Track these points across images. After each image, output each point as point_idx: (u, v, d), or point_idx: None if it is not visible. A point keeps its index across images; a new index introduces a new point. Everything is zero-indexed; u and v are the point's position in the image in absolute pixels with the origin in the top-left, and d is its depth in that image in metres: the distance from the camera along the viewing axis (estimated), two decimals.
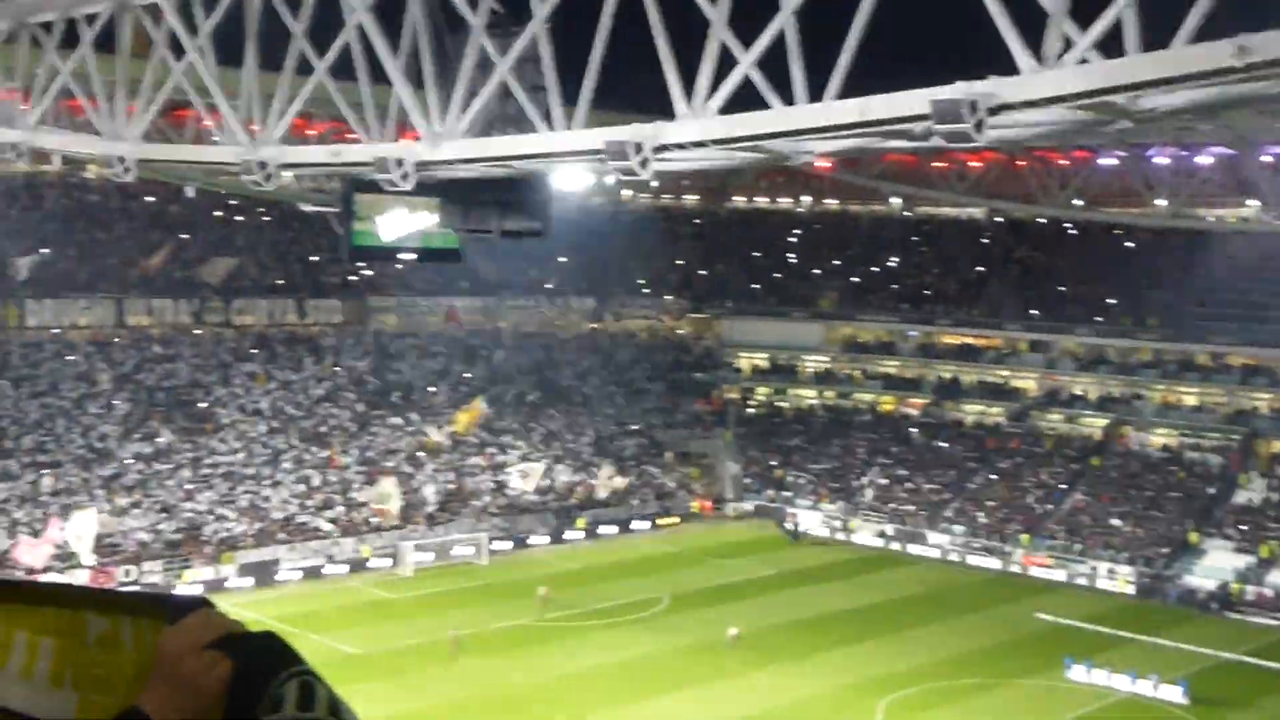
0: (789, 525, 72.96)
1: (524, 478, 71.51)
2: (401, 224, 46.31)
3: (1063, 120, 20.08)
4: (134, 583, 57.15)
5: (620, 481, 75.25)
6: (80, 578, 55.80)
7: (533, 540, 69.66)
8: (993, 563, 69.49)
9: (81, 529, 56.06)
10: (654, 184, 79.93)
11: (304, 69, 25.79)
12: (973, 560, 70.08)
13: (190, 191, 75.20)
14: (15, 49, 31.50)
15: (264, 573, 60.44)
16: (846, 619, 57.91)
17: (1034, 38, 16.79)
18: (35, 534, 55.60)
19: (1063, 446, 78.42)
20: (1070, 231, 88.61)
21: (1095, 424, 79.57)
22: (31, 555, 54.76)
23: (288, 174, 29.92)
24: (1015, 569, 68.75)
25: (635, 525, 74.29)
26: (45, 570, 54.97)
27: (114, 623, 2.68)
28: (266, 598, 58.03)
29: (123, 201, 75.10)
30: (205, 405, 68.99)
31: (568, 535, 71.13)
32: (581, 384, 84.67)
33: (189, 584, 58.15)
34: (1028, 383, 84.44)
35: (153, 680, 2.38)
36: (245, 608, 55.44)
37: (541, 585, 58.81)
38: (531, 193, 30.53)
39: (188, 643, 2.32)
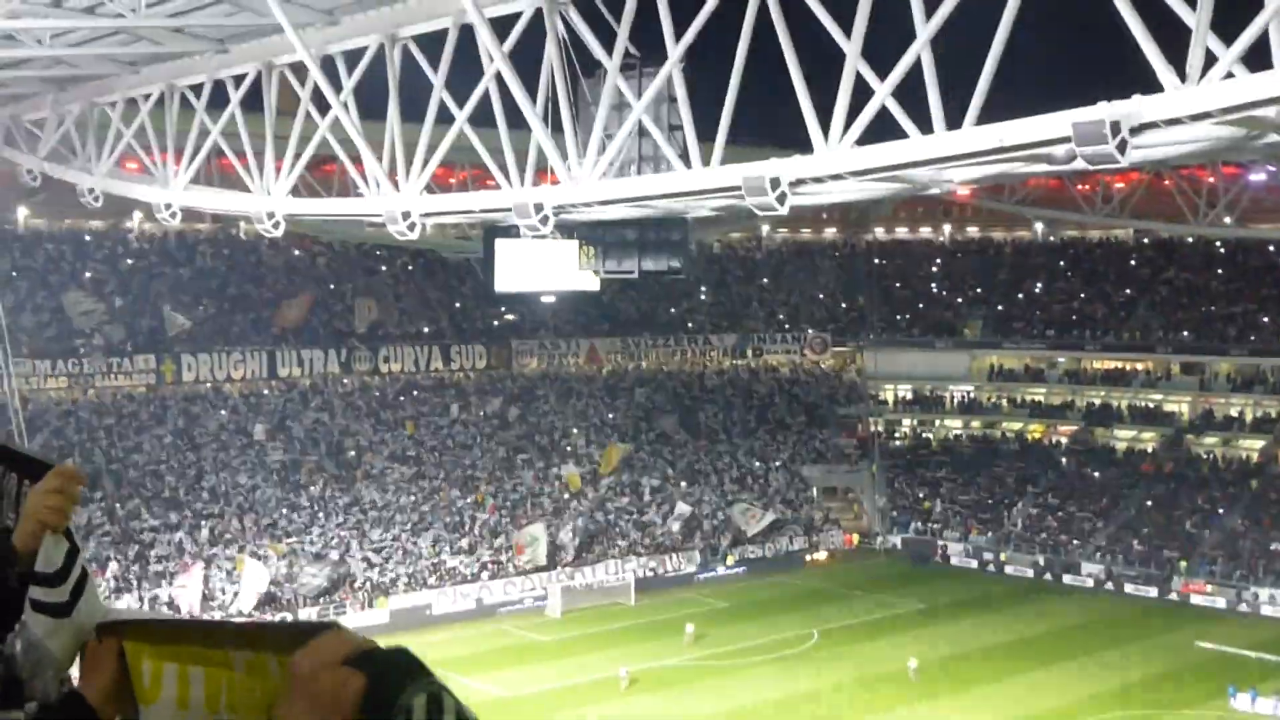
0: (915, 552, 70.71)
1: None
2: (542, 267, 46.90)
3: (1208, 137, 19.66)
4: None
5: (766, 517, 74.95)
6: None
7: (680, 578, 69.65)
8: (1150, 591, 67.87)
9: (246, 579, 57.37)
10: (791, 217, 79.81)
11: (444, 118, 26.22)
12: (1129, 589, 68.54)
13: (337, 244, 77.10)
14: (166, 112, 32.49)
15: (415, 616, 61.14)
16: (1003, 651, 56.94)
17: (1176, 54, 16.50)
18: (197, 581, 56.88)
19: (1219, 470, 76.43)
20: (1220, 250, 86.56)
21: (1252, 446, 77.41)
22: (191, 600, 56.09)
23: (430, 222, 30.35)
24: (1173, 597, 67.09)
25: (783, 561, 73.89)
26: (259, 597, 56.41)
27: (258, 651, 2.77)
28: (418, 641, 58.53)
29: (272, 255, 76.95)
30: (355, 452, 70.17)
31: (715, 572, 70.98)
32: (725, 421, 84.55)
33: None
34: (1181, 406, 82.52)
35: (289, 697, 2.45)
36: None
37: (689, 623, 58.79)
38: (670, 231, 30.66)
39: (321, 660, 2.40)
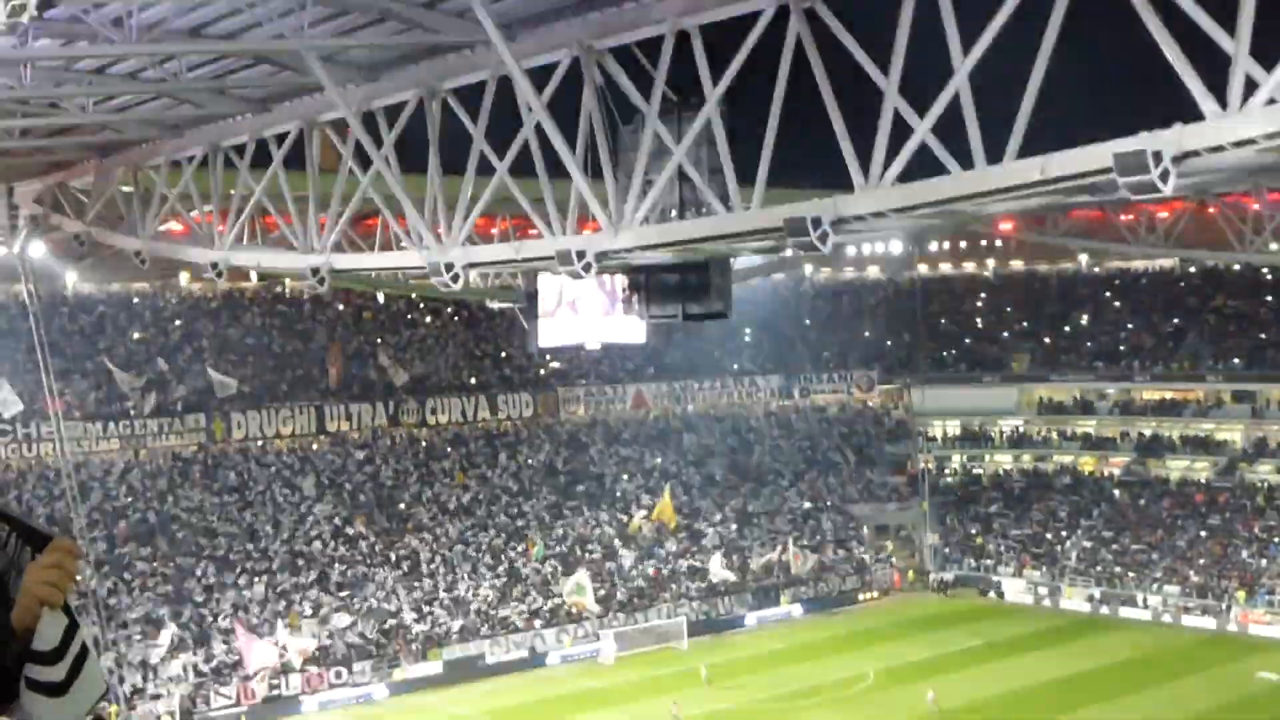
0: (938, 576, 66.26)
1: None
2: (584, 319, 47.05)
3: (1252, 164, 19.53)
4: (344, 684, 58.27)
5: (818, 558, 74.62)
6: (294, 680, 57.12)
7: (733, 620, 69.39)
8: (1208, 622, 67.10)
9: (294, 641, 57.51)
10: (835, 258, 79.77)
11: (484, 169, 26.37)
12: (1187, 621, 67.80)
13: (381, 297, 77.46)
14: (210, 172, 32.83)
15: (469, 668, 61.10)
16: (1060, 687, 56.34)
17: (1217, 82, 16.41)
18: (256, 639, 57.01)
19: (1275, 498, 75.54)
20: (1267, 276, 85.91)
21: None
22: (257, 659, 56.25)
23: (473, 273, 30.47)
24: (1232, 628, 66.28)
25: (835, 601, 73.51)
26: (265, 674, 56.39)
27: None
28: (473, 693, 58.62)
29: (317, 311, 77.48)
30: (405, 505, 70.31)
31: (768, 614, 70.65)
32: (773, 462, 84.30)
33: (398, 682, 59.08)
34: (1233, 434, 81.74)
35: None
36: (454, 703, 56.17)
37: (703, 668, 58.46)
38: (712, 275, 30.64)
39: None
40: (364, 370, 75.70)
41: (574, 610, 65.38)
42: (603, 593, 66.43)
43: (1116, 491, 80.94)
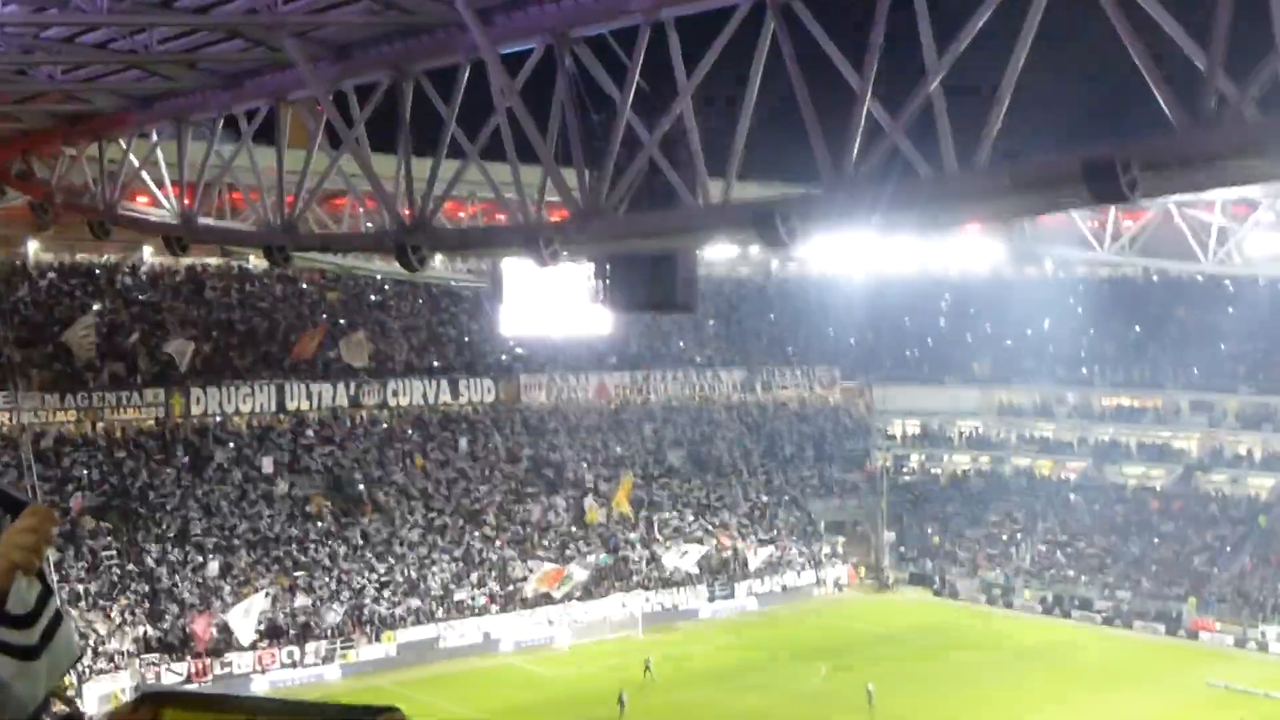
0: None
1: (682, 556, 71.56)
2: (550, 307, 46.99)
3: (1219, 176, 19.64)
4: (295, 664, 58.14)
5: (773, 552, 74.85)
6: (245, 660, 56.95)
7: (688, 612, 69.57)
8: (1159, 628, 67.71)
9: (246, 612, 57.27)
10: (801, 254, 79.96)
11: (455, 153, 26.26)
12: (1138, 626, 68.37)
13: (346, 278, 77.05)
14: (178, 145, 32.56)
15: (424, 651, 61.06)
16: (1010, 687, 56.72)
17: (1188, 93, 16.50)
18: (210, 615, 56.83)
19: (1228, 507, 76.20)
20: (1230, 289, 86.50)
21: (1261, 484, 77.30)
22: (209, 635, 56.14)
23: (439, 257, 30.41)
24: (1182, 634, 66.88)
25: (790, 596, 73.80)
26: (213, 651, 56.27)
27: None
28: (427, 675, 58.56)
29: (281, 289, 77.04)
30: (363, 487, 70.10)
31: (723, 607, 70.87)
32: (732, 455, 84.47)
33: (351, 664, 58.97)
34: (1190, 443, 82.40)
35: None
36: (407, 686, 56.08)
37: (648, 660, 58.53)
38: (679, 267, 30.64)
39: None
40: (330, 351, 75.30)
41: (541, 591, 65.17)
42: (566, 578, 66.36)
43: (1072, 495, 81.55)
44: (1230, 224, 58.40)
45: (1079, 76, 54.57)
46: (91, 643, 54.06)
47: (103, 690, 51.29)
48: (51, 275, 70.84)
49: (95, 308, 67.25)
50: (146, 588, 58.71)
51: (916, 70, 18.74)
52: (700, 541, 73.31)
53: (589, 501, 73.69)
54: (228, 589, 59.65)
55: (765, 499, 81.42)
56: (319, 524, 66.26)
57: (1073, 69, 49.65)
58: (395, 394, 75.28)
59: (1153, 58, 16.72)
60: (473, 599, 64.83)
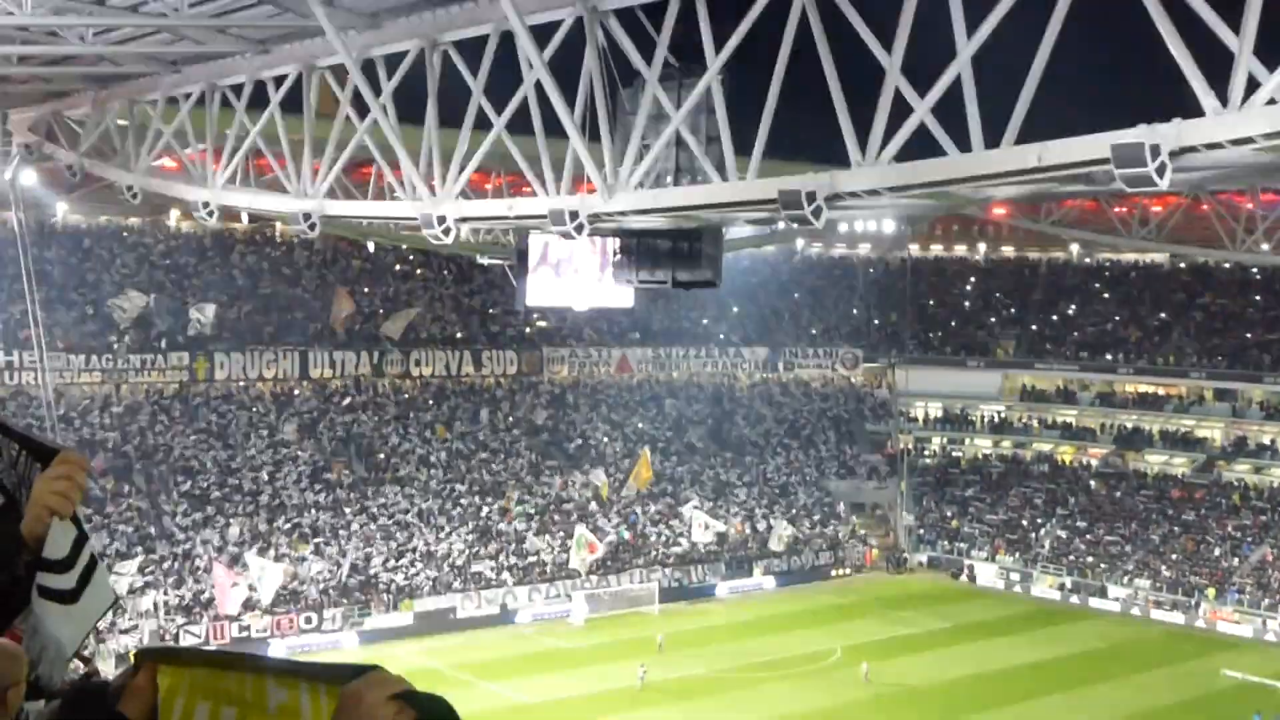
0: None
1: (704, 530, 71.56)
2: (576, 277, 47.02)
3: (1249, 162, 19.54)
4: (315, 629, 58.46)
5: (793, 532, 74.86)
6: (263, 624, 57.30)
7: (705, 589, 69.67)
8: (1176, 617, 67.58)
9: (266, 576, 57.60)
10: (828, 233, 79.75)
11: (482, 124, 26.25)
12: (1156, 615, 68.24)
13: (372, 246, 77.18)
14: (206, 111, 32.61)
15: (440, 620, 61.33)
16: (1026, 674, 56.70)
17: (1219, 78, 16.40)
18: (225, 579, 57.12)
19: (1250, 497, 75.90)
20: (1256, 276, 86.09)
21: None
22: (232, 600, 56.50)
23: (465, 228, 30.40)
24: (1200, 624, 66.72)
25: (807, 575, 73.81)
26: (237, 616, 56.64)
27: (292, 692, 2.80)
28: (442, 645, 58.82)
29: (308, 256, 77.24)
30: (384, 455, 70.34)
31: (740, 585, 70.94)
32: (754, 434, 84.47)
33: (368, 631, 59.27)
34: (1213, 432, 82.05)
35: None
36: (422, 655, 56.32)
37: (659, 636, 58.78)
38: (704, 243, 30.63)
39: (376, 693, 2.58)
40: (353, 320, 75.48)
41: (575, 563, 65.47)
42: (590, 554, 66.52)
43: (1093, 482, 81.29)
44: (1260, 211, 58.06)
45: (1109, 58, 54.30)
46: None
47: (120, 649, 51.63)
48: (86, 241, 71.13)
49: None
50: (167, 549, 59.06)
51: (945, 49, 18.66)
52: (720, 519, 73.32)
53: (602, 475, 73.70)
54: (248, 553, 59.92)
55: (786, 479, 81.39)
56: (339, 491, 66.53)
57: (1103, 51, 49.39)
58: (419, 364, 75.45)
59: (1183, 40, 16.63)
60: (489, 570, 65.01)
